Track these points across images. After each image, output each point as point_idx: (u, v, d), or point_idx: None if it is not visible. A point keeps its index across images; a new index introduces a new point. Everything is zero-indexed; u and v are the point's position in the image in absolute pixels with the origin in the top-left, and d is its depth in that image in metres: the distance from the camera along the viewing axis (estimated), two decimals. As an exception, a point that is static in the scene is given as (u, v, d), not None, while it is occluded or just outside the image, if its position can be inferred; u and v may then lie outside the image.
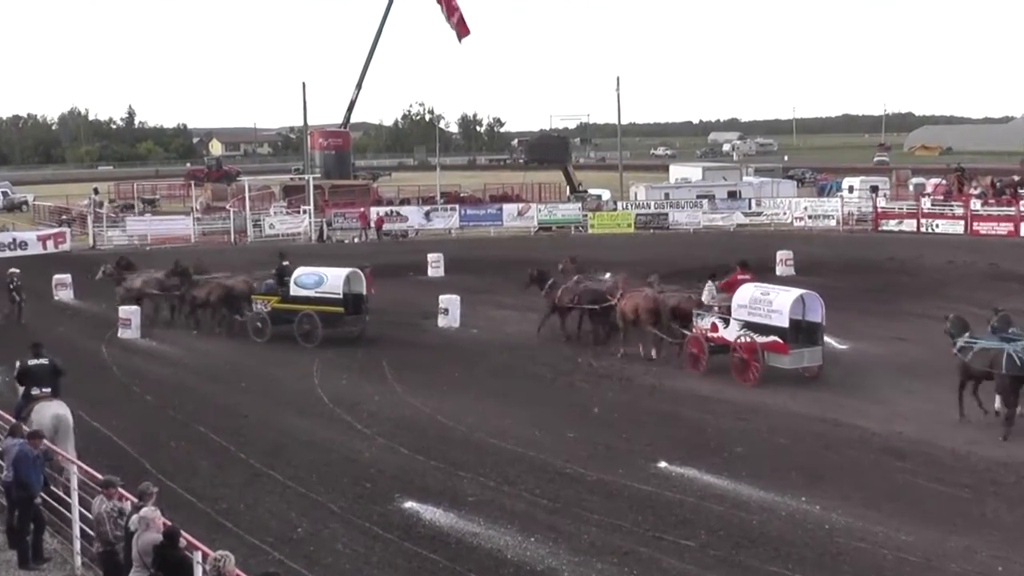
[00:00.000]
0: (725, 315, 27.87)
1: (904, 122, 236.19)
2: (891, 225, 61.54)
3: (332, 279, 32.93)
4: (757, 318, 27.01)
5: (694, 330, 28.55)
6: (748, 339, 26.98)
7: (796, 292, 27.67)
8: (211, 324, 34.95)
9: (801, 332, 27.09)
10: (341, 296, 32.66)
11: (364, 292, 33.47)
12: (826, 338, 28.19)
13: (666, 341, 29.61)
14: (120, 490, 13.98)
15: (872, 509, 18.02)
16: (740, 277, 29.49)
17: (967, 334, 23.50)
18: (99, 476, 15.02)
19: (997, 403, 22.90)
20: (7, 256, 51.65)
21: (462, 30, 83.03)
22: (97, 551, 13.76)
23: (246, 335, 33.87)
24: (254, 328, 33.44)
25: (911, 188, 74.21)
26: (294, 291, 32.98)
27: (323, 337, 32.30)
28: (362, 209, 65.81)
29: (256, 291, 34.26)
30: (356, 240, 63.11)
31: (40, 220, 72.69)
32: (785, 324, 26.53)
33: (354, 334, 33.26)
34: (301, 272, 33.60)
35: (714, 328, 28.03)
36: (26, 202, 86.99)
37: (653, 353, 29.78)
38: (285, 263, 34.69)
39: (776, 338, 26.60)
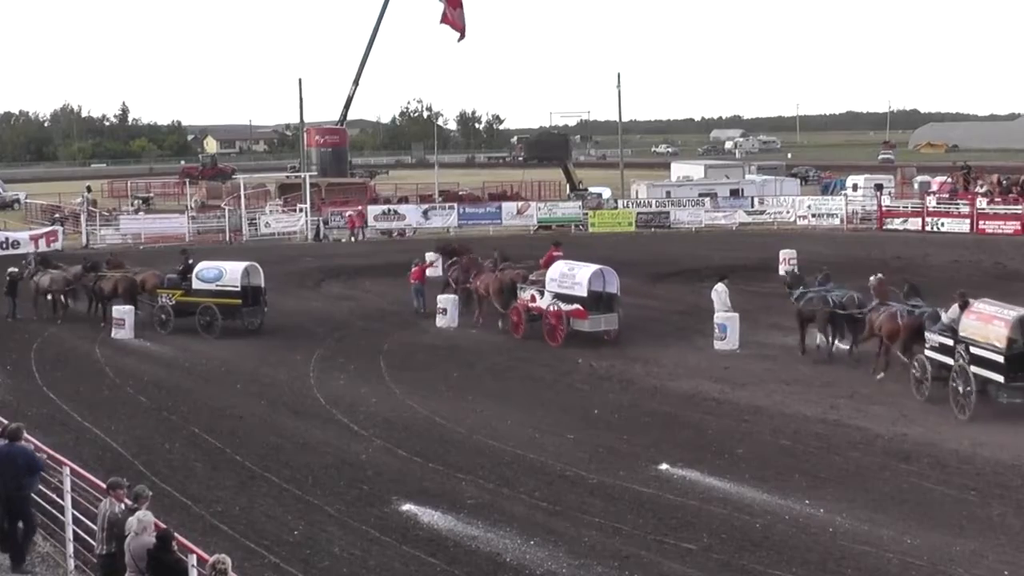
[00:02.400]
0: (541, 288, 32.71)
1: (909, 119, 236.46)
2: (896, 224, 61.51)
3: (231, 273, 34.83)
4: (564, 289, 32.10)
5: (518, 301, 33.35)
6: (556, 307, 31.92)
7: (594, 267, 32.69)
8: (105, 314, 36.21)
9: (601, 301, 32.04)
10: (239, 289, 34.45)
11: (262, 285, 35.23)
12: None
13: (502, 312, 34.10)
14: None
15: (877, 512, 18.02)
16: (554, 255, 35.57)
17: (801, 286, 30.52)
18: (91, 478, 15.03)
19: (819, 339, 29.45)
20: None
21: (457, 26, 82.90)
22: (100, 553, 13.72)
23: (237, 335, 34.09)
24: (158, 320, 35.01)
25: (916, 186, 74.32)
26: (196, 285, 34.83)
27: (222, 328, 33.98)
28: (359, 208, 65.80)
29: (162, 285, 35.93)
30: (353, 239, 63.08)
31: (32, 219, 72.61)
32: (584, 294, 31.67)
33: (254, 325, 34.86)
34: (202, 266, 35.34)
35: (532, 299, 32.96)
36: (18, 200, 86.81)
37: (500, 323, 34.30)
38: (190, 261, 36.39)
39: (578, 306, 31.61)
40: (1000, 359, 22.63)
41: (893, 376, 26.56)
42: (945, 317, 24.83)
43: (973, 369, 23.13)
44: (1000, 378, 22.67)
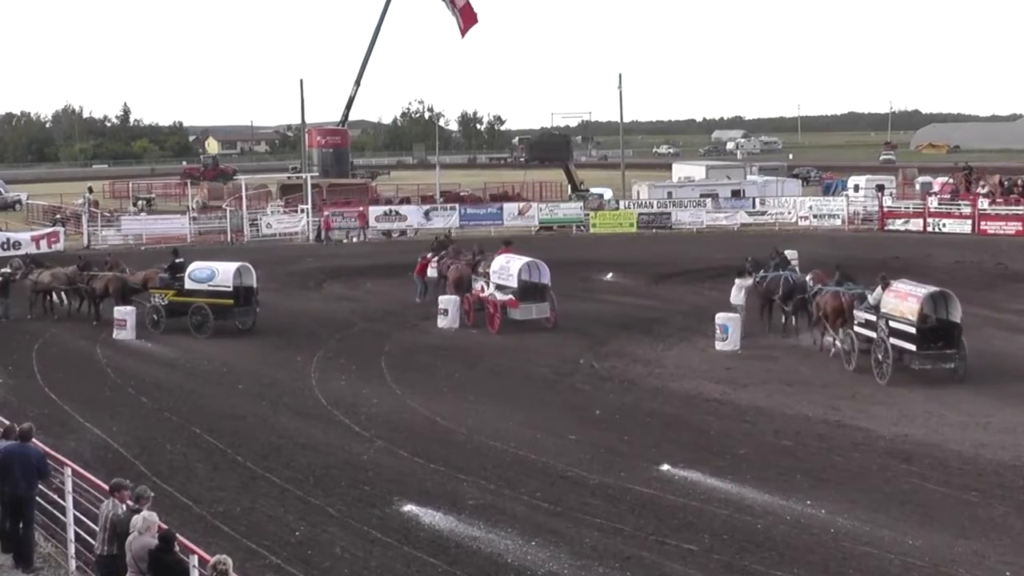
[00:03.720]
0: (487, 280, 35.62)
1: (910, 120, 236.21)
2: (897, 224, 61.51)
3: (223, 273, 35.20)
4: (501, 281, 34.83)
5: (471, 292, 36.22)
6: (492, 297, 34.80)
7: (523, 259, 35.35)
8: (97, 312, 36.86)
9: (536, 292, 34.69)
10: (231, 289, 34.76)
11: (255, 285, 35.52)
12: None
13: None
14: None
15: (878, 513, 18.03)
16: (504, 252, 37.50)
17: (762, 270, 33.80)
18: (93, 478, 15.03)
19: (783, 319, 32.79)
20: (0, 256, 51.57)
21: (468, 20, 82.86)
22: (100, 554, 13.71)
23: (238, 335, 34.25)
24: (151, 320, 35.20)
25: (917, 187, 74.19)
26: (188, 285, 35.14)
27: (215, 328, 34.22)
28: (360, 209, 65.82)
29: (154, 284, 36.30)
30: (355, 240, 63.10)
31: (34, 219, 72.61)
32: (515, 285, 34.30)
33: (245, 325, 35.18)
34: (195, 267, 35.74)
35: (481, 290, 35.77)
36: (19, 201, 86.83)
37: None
38: (179, 260, 36.83)
39: (511, 296, 34.25)
40: (913, 331, 26.25)
41: (892, 379, 26.58)
42: (871, 298, 28.06)
43: (892, 341, 26.55)
44: (913, 347, 26.31)
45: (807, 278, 32.23)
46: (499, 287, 34.96)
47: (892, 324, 26.76)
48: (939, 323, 26.88)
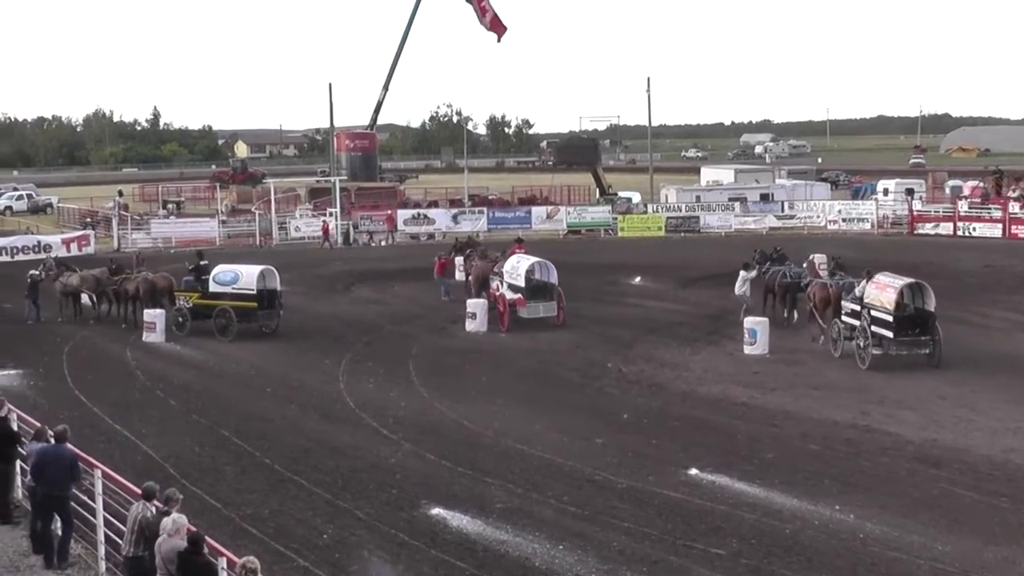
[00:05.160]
0: (501, 279, 36.57)
1: (941, 123, 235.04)
2: (927, 228, 61.30)
3: (247, 276, 35.42)
4: (511, 280, 35.96)
5: (489, 291, 37.15)
6: (502, 296, 35.73)
7: (532, 259, 36.77)
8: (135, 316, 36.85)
9: (544, 291, 35.83)
10: (255, 292, 34.87)
11: (278, 288, 35.72)
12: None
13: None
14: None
15: (907, 518, 17.94)
16: (516, 250, 39.76)
17: (767, 263, 36.19)
18: (122, 480, 15.10)
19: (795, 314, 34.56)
20: (31, 259, 51.91)
21: (498, 29, 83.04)
22: (127, 555, 13.78)
23: (266, 338, 34.43)
24: (175, 322, 35.36)
25: (947, 191, 73.82)
26: (212, 288, 35.43)
27: (238, 330, 34.44)
28: (388, 212, 65.98)
29: (177, 287, 36.79)
30: (383, 243, 63.26)
31: (65, 223, 73.13)
32: (522, 284, 35.55)
33: (269, 328, 35.29)
34: (219, 270, 36.09)
35: (496, 289, 36.58)
36: (51, 204, 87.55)
37: None
38: (203, 262, 37.16)
39: (520, 295, 35.32)
40: (890, 319, 28.46)
41: (920, 382, 26.44)
42: (857, 289, 30.16)
43: (873, 328, 28.71)
44: (891, 334, 28.47)
45: (803, 269, 34.79)
46: (510, 286, 35.92)
47: (873, 313, 28.91)
48: (916, 312, 29.01)
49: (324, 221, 64.03)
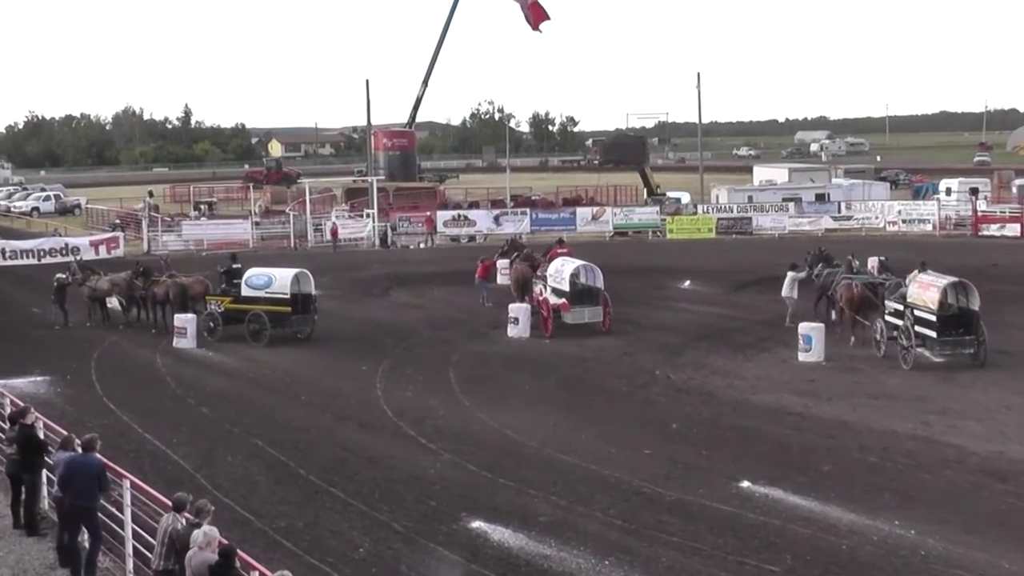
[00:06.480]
0: (545, 283, 36.70)
1: (1007, 119, 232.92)
2: (992, 230, 60.86)
3: (280, 280, 35.55)
4: (555, 284, 36.06)
5: (531, 295, 37.45)
6: (546, 300, 35.84)
7: (577, 263, 36.82)
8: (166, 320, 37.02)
9: (589, 296, 35.93)
10: (288, 296, 35.06)
11: (313, 292, 35.82)
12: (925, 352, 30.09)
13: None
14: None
15: (972, 535, 17.77)
16: (558, 252, 39.79)
17: (820, 264, 36.64)
18: (152, 491, 15.18)
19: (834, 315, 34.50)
20: (58, 262, 52.43)
21: (539, 16, 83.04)
22: (157, 568, 13.85)
23: (300, 344, 34.59)
24: (206, 327, 35.58)
25: (1014, 190, 73.30)
26: (245, 292, 35.60)
27: (272, 336, 34.65)
28: (427, 214, 66.15)
29: (211, 291, 36.98)
30: (421, 246, 63.43)
31: (93, 224, 73.74)
32: (567, 288, 35.51)
33: (304, 333, 35.52)
34: (252, 273, 36.30)
35: (540, 293, 36.72)
36: (79, 206, 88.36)
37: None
38: (236, 265, 37.39)
39: (564, 300, 35.42)
40: (934, 319, 29.07)
41: (986, 392, 26.20)
42: (904, 289, 30.75)
43: (916, 328, 29.34)
44: (934, 335, 29.10)
45: (841, 270, 35.17)
46: (554, 290, 36.02)
47: (916, 313, 29.63)
48: (959, 311, 29.55)
49: (332, 223, 64.18)
